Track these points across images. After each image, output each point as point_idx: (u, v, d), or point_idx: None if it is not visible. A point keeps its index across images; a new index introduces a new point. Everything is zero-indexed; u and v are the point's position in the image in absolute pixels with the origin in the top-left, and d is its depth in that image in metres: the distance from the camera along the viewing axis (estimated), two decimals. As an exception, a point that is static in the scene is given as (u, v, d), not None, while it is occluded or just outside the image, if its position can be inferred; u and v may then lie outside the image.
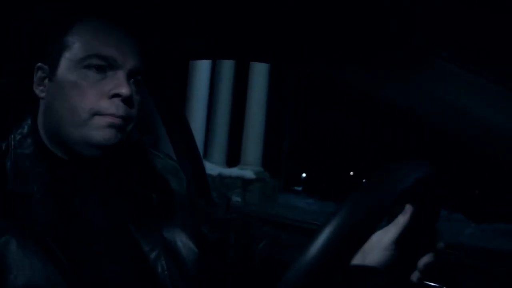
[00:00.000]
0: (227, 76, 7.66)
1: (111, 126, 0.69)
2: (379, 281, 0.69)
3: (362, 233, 0.49)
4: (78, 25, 0.72)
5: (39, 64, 0.73)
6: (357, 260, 0.70)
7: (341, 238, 0.47)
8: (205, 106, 7.44)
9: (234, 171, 7.36)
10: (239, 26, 0.91)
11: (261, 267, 0.84)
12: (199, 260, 0.78)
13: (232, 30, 0.93)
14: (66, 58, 0.70)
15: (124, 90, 0.68)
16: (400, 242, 0.68)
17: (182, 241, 0.78)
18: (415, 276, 0.68)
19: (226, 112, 7.69)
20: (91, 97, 0.68)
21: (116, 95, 0.69)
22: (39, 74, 0.73)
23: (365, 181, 0.53)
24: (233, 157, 7.78)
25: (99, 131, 0.68)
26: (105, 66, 0.69)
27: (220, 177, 7.06)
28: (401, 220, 0.67)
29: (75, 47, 0.70)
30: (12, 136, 0.72)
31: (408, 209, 0.66)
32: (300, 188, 13.08)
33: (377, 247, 0.70)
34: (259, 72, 7.58)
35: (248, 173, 7.30)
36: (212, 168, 6.86)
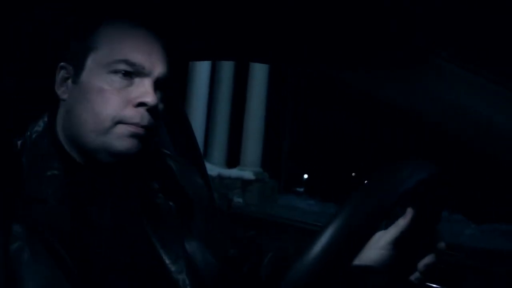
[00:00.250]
0: (227, 76, 7.66)
1: (133, 135, 0.66)
2: (378, 281, 0.69)
3: (363, 233, 0.49)
4: (105, 26, 0.69)
5: (63, 63, 0.70)
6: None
7: (342, 239, 0.47)
8: (205, 107, 7.44)
9: (234, 172, 7.37)
10: (239, 26, 0.90)
11: (267, 280, 0.82)
12: (218, 273, 0.75)
13: (232, 31, 0.93)
14: (92, 60, 0.67)
15: (150, 99, 0.65)
16: (398, 243, 0.68)
17: (202, 252, 0.74)
18: (415, 277, 0.68)
19: (226, 112, 7.70)
20: (116, 104, 0.65)
21: (142, 104, 0.66)
22: (62, 73, 0.70)
23: (366, 182, 0.53)
24: (233, 158, 7.78)
25: (121, 141, 0.65)
26: (132, 73, 0.66)
27: (220, 177, 7.06)
28: (402, 222, 0.67)
29: (103, 50, 0.67)
30: (28, 133, 0.69)
31: (410, 212, 0.66)
32: (302, 189, 13.06)
33: (374, 246, 0.69)
34: (259, 73, 7.58)
35: (248, 174, 7.31)
36: (212, 168, 6.86)
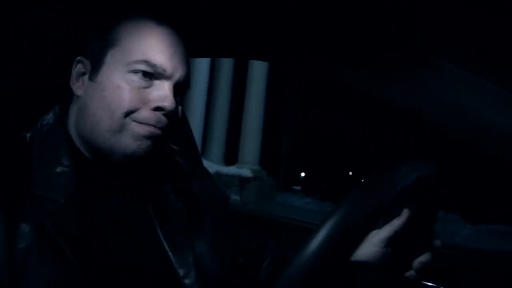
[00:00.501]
0: (226, 74, 7.66)
1: (149, 136, 0.64)
2: (373, 278, 0.69)
3: (360, 230, 0.50)
4: (126, 22, 0.67)
5: (79, 57, 0.67)
6: None
7: (340, 235, 0.47)
8: (204, 104, 7.43)
9: (232, 169, 7.37)
10: (239, 24, 0.90)
11: (266, 282, 0.81)
12: (226, 279, 0.74)
13: (232, 29, 0.93)
14: (112, 57, 0.65)
15: (168, 104, 0.63)
16: (392, 241, 0.68)
17: (211, 257, 0.72)
18: (410, 275, 0.69)
19: (225, 110, 7.69)
20: (133, 103, 0.63)
21: (159, 109, 0.64)
22: (79, 68, 0.67)
23: (364, 180, 0.53)
24: (231, 155, 7.79)
25: (136, 141, 0.63)
26: (152, 74, 0.64)
27: (217, 175, 7.06)
28: (397, 222, 0.67)
29: (123, 48, 0.65)
30: (39, 126, 0.67)
31: (405, 212, 0.66)
32: (299, 188, 13.08)
33: (367, 243, 0.69)
34: (258, 70, 7.58)
35: (246, 172, 7.31)
36: (210, 166, 6.84)
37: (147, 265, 0.65)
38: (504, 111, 0.62)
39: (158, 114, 0.64)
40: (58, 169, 0.63)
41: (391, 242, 0.67)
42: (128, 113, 0.63)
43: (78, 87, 0.67)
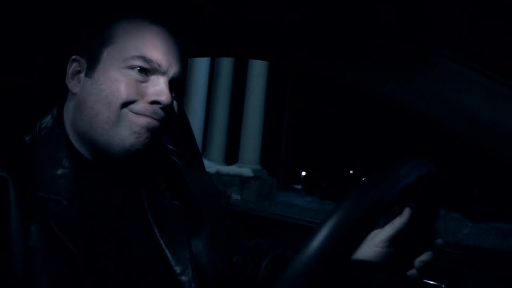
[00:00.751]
0: (226, 74, 7.66)
1: (146, 127, 0.65)
2: (375, 277, 0.69)
3: (362, 228, 0.49)
4: (121, 22, 0.68)
5: (75, 56, 0.68)
6: None
7: (341, 233, 0.47)
8: (204, 103, 7.44)
9: (232, 169, 7.38)
10: (239, 23, 0.90)
11: (264, 281, 0.83)
12: (223, 276, 0.75)
13: (232, 28, 0.93)
14: (108, 54, 0.66)
15: (165, 98, 0.65)
16: (394, 241, 0.68)
17: (208, 255, 0.74)
18: (411, 273, 0.68)
19: (225, 109, 7.70)
20: (130, 94, 0.64)
21: (156, 102, 0.65)
22: (74, 66, 0.68)
23: (365, 179, 0.53)
24: (232, 155, 7.79)
25: (134, 133, 0.64)
26: (148, 70, 0.66)
27: (218, 174, 7.07)
28: (398, 221, 0.67)
29: (119, 45, 0.66)
30: (37, 129, 0.68)
31: (407, 211, 0.66)
32: (299, 187, 13.09)
33: (369, 243, 0.69)
34: (258, 70, 7.59)
35: (246, 171, 7.32)
36: (210, 165, 6.87)
37: (144, 263, 0.67)
38: (504, 109, 0.62)
39: (155, 107, 0.65)
40: (59, 171, 0.64)
41: (393, 241, 0.67)
42: (125, 104, 0.64)
43: (74, 85, 0.68)
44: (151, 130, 0.65)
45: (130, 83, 0.65)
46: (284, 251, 0.85)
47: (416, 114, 0.74)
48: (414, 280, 0.69)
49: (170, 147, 0.85)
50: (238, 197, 1.55)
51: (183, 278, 0.68)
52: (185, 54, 0.71)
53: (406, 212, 0.66)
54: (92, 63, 0.67)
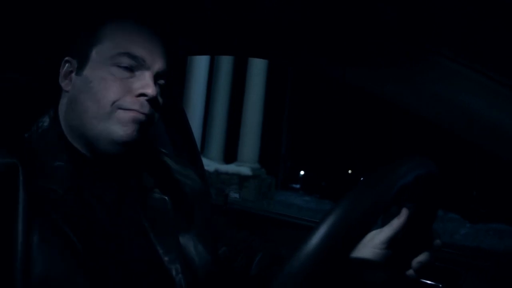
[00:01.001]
0: (225, 72, 7.66)
1: (134, 121, 0.69)
2: (373, 277, 0.69)
3: (361, 227, 0.49)
4: (109, 23, 0.73)
5: (67, 58, 0.74)
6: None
7: (339, 232, 0.47)
8: (203, 102, 7.44)
9: (231, 167, 7.38)
10: (239, 24, 0.90)
11: (257, 277, 0.85)
12: (209, 265, 0.79)
13: (229, 27, 0.93)
14: (96, 53, 0.71)
15: (150, 91, 0.69)
16: (393, 242, 0.68)
17: (195, 244, 0.79)
18: (409, 274, 0.69)
19: (224, 108, 7.70)
20: (117, 91, 0.69)
21: (142, 95, 0.70)
22: (66, 67, 0.73)
23: (363, 178, 0.53)
24: (230, 154, 7.79)
25: (122, 126, 0.69)
26: (133, 66, 0.70)
27: (217, 173, 7.07)
28: (396, 222, 0.67)
29: (106, 44, 0.71)
30: (35, 127, 0.73)
31: (404, 212, 0.66)
32: (298, 186, 13.11)
33: (368, 245, 0.70)
34: (257, 68, 7.58)
35: (245, 170, 7.32)
36: (209, 164, 6.87)
37: (134, 251, 0.71)
38: (504, 109, 0.62)
39: (142, 100, 0.70)
40: (56, 164, 0.68)
41: (392, 243, 0.68)
42: (113, 102, 0.69)
43: (67, 84, 0.73)
44: (138, 123, 0.70)
45: (117, 80, 0.69)
46: (277, 247, 0.88)
47: (416, 114, 0.74)
48: (412, 279, 0.69)
49: (163, 150, 0.90)
50: (237, 195, 1.56)
51: (171, 265, 0.72)
52: (169, 51, 0.76)
53: (404, 213, 0.66)
54: (82, 63, 0.72)
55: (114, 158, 0.73)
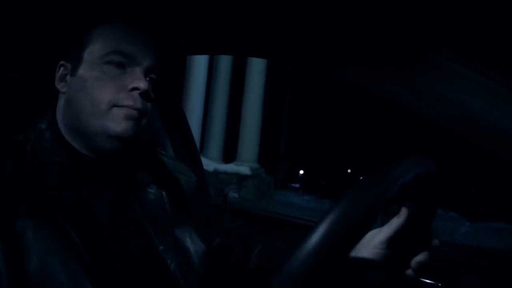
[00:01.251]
0: (225, 72, 7.65)
1: (128, 118, 0.72)
2: (373, 277, 0.69)
3: (360, 226, 0.49)
4: (99, 26, 0.77)
5: (62, 62, 0.77)
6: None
7: (339, 231, 0.47)
8: (202, 101, 7.43)
9: (230, 167, 7.37)
10: (239, 24, 0.90)
11: (256, 270, 0.87)
12: (205, 255, 0.82)
13: (228, 27, 0.93)
14: (89, 54, 0.74)
15: (142, 84, 0.72)
16: (392, 241, 0.68)
17: (190, 236, 0.82)
18: (408, 273, 0.69)
19: (223, 107, 7.69)
20: (111, 90, 0.72)
21: (135, 89, 0.73)
22: (61, 71, 0.77)
23: (363, 177, 0.53)
24: (230, 153, 7.79)
25: (117, 122, 0.71)
26: (124, 63, 0.74)
27: (216, 172, 7.06)
28: (395, 222, 0.67)
29: (97, 45, 0.74)
30: (33, 128, 0.75)
31: (404, 211, 0.66)
32: (297, 185, 13.11)
33: (368, 245, 0.70)
34: (257, 68, 7.58)
35: (244, 169, 7.31)
36: (208, 163, 6.87)
37: (131, 242, 0.73)
38: (504, 109, 0.62)
39: (135, 94, 0.73)
40: (53, 160, 0.71)
41: (391, 242, 0.68)
42: (107, 98, 0.72)
43: (62, 86, 0.77)
44: (132, 119, 0.73)
45: (110, 79, 0.72)
46: (275, 241, 0.90)
47: (416, 114, 0.74)
48: (411, 279, 0.69)
49: (159, 149, 0.93)
50: (236, 195, 1.56)
51: (167, 254, 0.75)
52: (157, 47, 0.80)
53: (404, 212, 0.66)
54: (75, 65, 0.75)
55: (111, 154, 0.75)
